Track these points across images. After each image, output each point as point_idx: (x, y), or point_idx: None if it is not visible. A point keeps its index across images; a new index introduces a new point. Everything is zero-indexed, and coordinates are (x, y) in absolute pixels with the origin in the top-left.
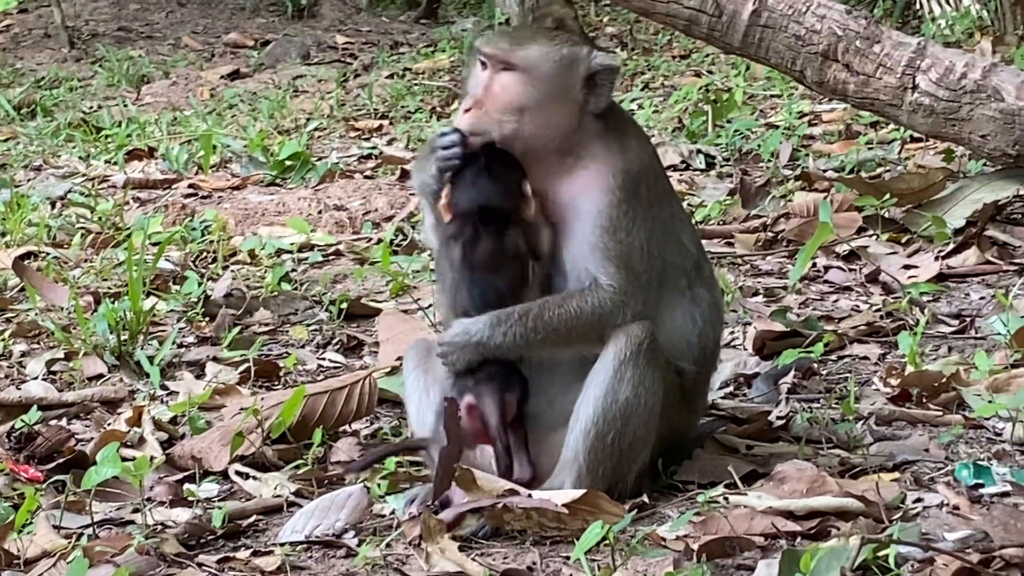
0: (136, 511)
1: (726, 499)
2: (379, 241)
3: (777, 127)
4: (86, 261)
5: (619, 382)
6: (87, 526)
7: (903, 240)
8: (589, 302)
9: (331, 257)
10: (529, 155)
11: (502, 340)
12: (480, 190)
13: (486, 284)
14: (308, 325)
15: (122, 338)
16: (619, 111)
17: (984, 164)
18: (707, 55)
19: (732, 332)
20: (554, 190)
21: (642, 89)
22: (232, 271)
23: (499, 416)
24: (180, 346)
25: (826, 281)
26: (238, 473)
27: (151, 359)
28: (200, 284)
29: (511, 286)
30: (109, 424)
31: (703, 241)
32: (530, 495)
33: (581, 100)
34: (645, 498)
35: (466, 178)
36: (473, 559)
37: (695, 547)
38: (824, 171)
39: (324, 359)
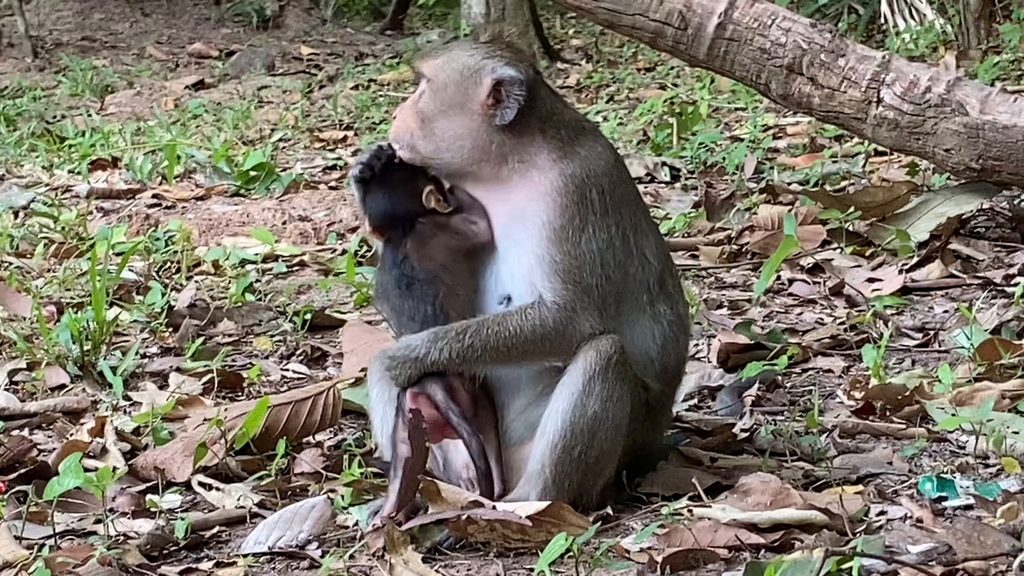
0: (98, 522)
1: (690, 511)
2: (344, 252)
3: (742, 140)
4: (49, 271)
5: (587, 396)
6: (49, 537)
7: (867, 253)
8: (530, 320)
9: (295, 268)
10: (453, 170)
11: (438, 356)
12: (375, 200)
13: (420, 295)
14: (272, 336)
15: (85, 348)
16: (568, 118)
17: (948, 178)
18: (672, 68)
19: (696, 344)
20: (495, 204)
21: (607, 102)
22: (196, 281)
23: (449, 398)
24: (143, 357)
25: (790, 294)
26: (201, 484)
27: (114, 369)
28: (164, 295)
29: (442, 296)
30: (71, 434)
31: None
32: (494, 507)
33: (485, 112)
34: (609, 510)
35: (369, 191)
36: (437, 571)
37: (659, 559)
38: (788, 184)
39: (288, 370)
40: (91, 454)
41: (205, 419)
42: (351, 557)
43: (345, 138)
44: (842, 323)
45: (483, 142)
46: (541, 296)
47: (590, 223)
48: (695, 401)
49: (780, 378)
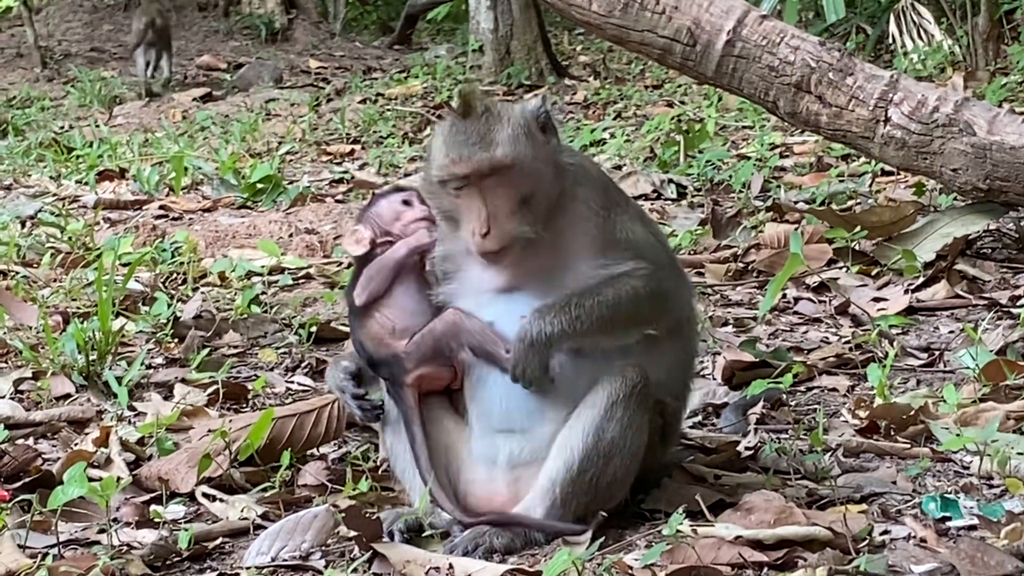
0: (102, 532)
1: (694, 529)
2: (349, 265)
3: (749, 158)
4: (55, 281)
5: (608, 421)
6: (52, 546)
7: (873, 273)
8: (623, 285)
9: (301, 280)
10: (546, 230)
11: (552, 330)
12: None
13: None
14: (277, 348)
15: (90, 358)
16: (568, 148)
17: (955, 198)
18: (680, 85)
19: (702, 362)
20: (555, 240)
21: (614, 118)
22: (202, 293)
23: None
24: (148, 367)
25: (796, 312)
26: (205, 495)
27: (119, 380)
28: (170, 305)
29: None
30: (76, 444)
31: None
32: (451, 565)
33: (551, 149)
34: (603, 514)
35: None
36: None
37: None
38: (795, 203)
39: (293, 382)
40: (95, 464)
41: (209, 430)
42: (354, 570)
43: (352, 152)
44: (847, 342)
45: (559, 177)
46: (625, 268)
47: (622, 211)
48: (699, 418)
49: (785, 396)
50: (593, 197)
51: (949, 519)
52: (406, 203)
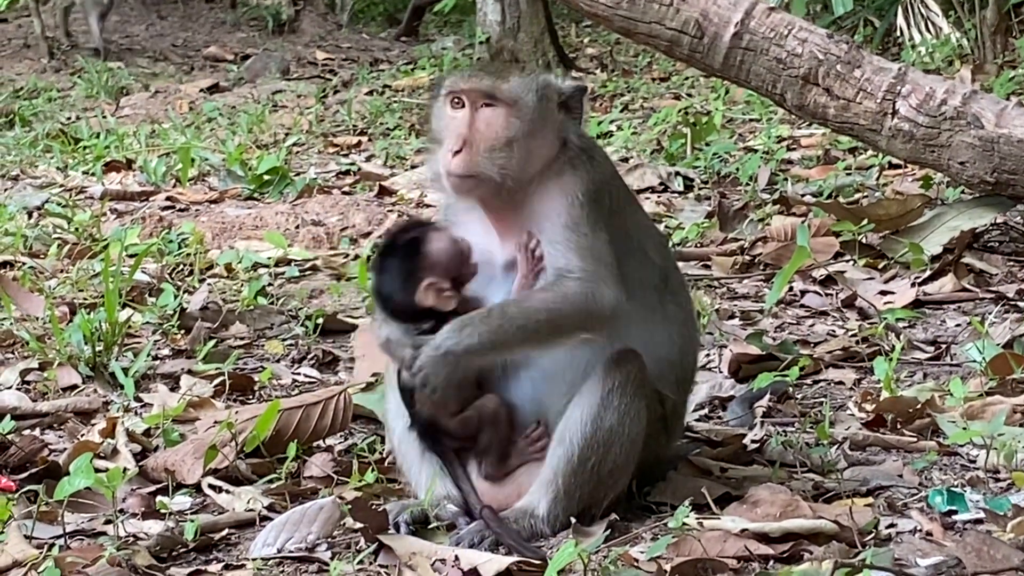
0: (108, 522)
1: (700, 522)
2: (356, 257)
3: (756, 151)
4: (62, 271)
5: (605, 409)
6: (59, 536)
7: (880, 266)
8: (552, 292)
9: (308, 272)
10: (517, 184)
11: (470, 343)
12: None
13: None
14: (284, 340)
15: (97, 349)
16: (582, 131)
17: (962, 191)
18: (687, 77)
19: (708, 355)
20: (522, 210)
21: (621, 111)
22: (208, 284)
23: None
24: (155, 358)
25: (802, 305)
26: (211, 486)
27: (126, 371)
28: (176, 297)
29: None
30: (82, 435)
31: (680, 263)
32: (456, 556)
33: (560, 125)
34: (615, 515)
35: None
36: None
37: (668, 568)
38: (802, 195)
39: (299, 374)
40: (102, 455)
41: (216, 422)
42: (360, 562)
43: (359, 143)
44: (854, 335)
45: (551, 153)
46: (560, 272)
47: (601, 220)
48: (706, 411)
49: (791, 389)
50: (579, 185)
51: (955, 512)
52: (453, 241)
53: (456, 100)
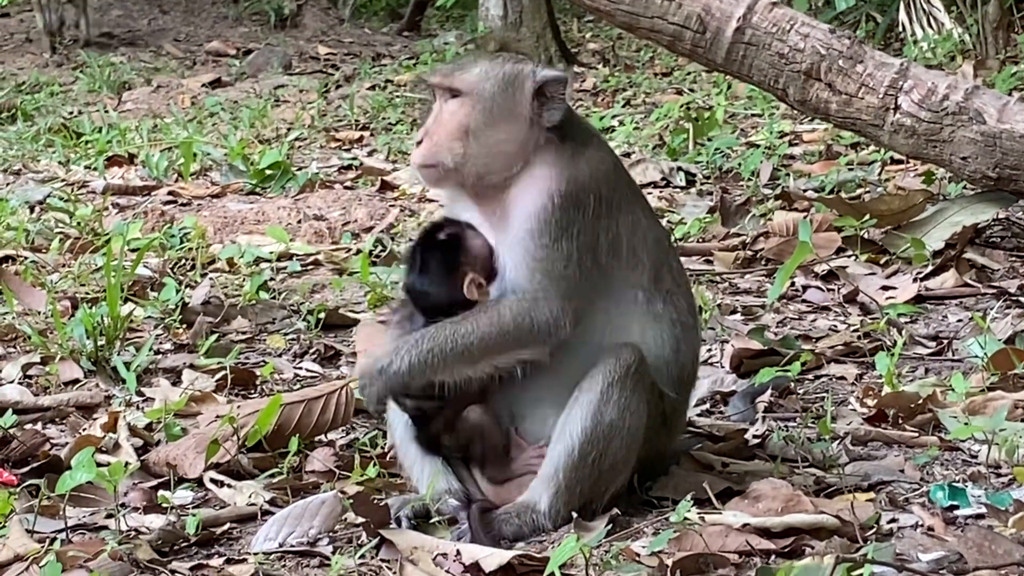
0: (110, 517)
1: (702, 518)
2: (358, 252)
3: (758, 146)
4: (64, 266)
5: (605, 403)
6: (60, 531)
7: (882, 261)
8: (485, 315)
9: (310, 267)
10: (485, 176)
11: (399, 366)
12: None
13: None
14: (285, 334)
15: (99, 343)
16: (577, 122)
17: (964, 187)
18: (689, 73)
19: (710, 350)
20: (504, 201)
21: (623, 106)
22: (210, 279)
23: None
24: (157, 353)
25: (804, 300)
26: (213, 481)
27: (128, 365)
28: (178, 291)
29: None
30: (84, 429)
31: (681, 258)
32: (458, 551)
33: (532, 115)
34: (616, 510)
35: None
36: (447, 571)
37: (669, 563)
38: (804, 191)
39: (301, 368)
40: (104, 449)
41: (218, 416)
42: (362, 556)
43: (361, 138)
44: (856, 330)
45: (523, 146)
46: (504, 290)
47: (577, 224)
48: (707, 406)
49: (793, 384)
50: (557, 185)
51: (957, 508)
52: (485, 239)
53: (432, 93)
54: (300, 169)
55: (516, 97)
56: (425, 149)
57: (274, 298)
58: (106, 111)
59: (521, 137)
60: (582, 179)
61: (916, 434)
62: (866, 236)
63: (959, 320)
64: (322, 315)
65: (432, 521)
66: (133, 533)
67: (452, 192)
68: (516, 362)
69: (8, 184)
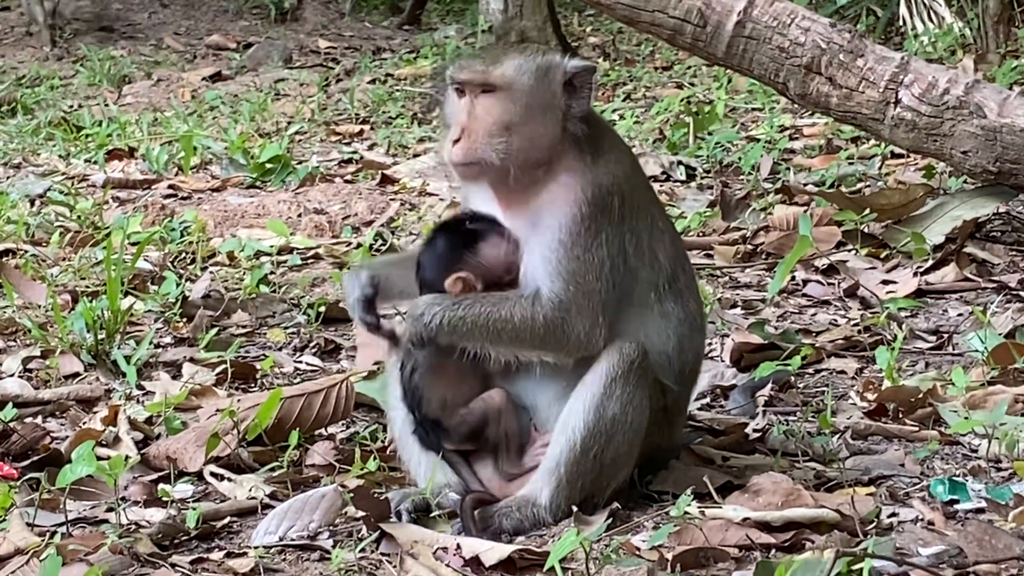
0: (110, 510)
1: (702, 512)
2: (358, 245)
3: (758, 140)
4: (64, 259)
5: (608, 398)
6: (61, 524)
7: (882, 255)
8: (523, 309)
9: (310, 260)
10: (525, 170)
11: (430, 320)
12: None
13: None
14: (286, 328)
15: (99, 337)
16: (596, 120)
17: (964, 181)
18: (689, 67)
19: (710, 344)
20: (528, 202)
21: (624, 100)
22: (211, 272)
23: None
24: (157, 346)
25: (805, 295)
26: (213, 474)
27: (128, 359)
28: (178, 285)
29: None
30: (84, 423)
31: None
32: (458, 545)
33: (564, 106)
34: (617, 504)
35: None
36: (447, 565)
37: (669, 557)
38: (804, 185)
39: (301, 362)
40: (104, 442)
41: (218, 410)
42: (361, 550)
43: (361, 132)
44: (856, 325)
45: (555, 138)
46: (539, 290)
47: (604, 230)
48: (708, 400)
49: (793, 378)
50: (586, 189)
51: (957, 502)
52: (508, 252)
53: (459, 89)
54: (300, 163)
55: (550, 89)
56: (465, 147)
57: (274, 292)
58: (106, 105)
59: (554, 129)
60: (607, 183)
61: (916, 428)
62: (866, 230)
63: (959, 314)
64: (322, 309)
65: (432, 515)
66: (133, 527)
67: (479, 188)
68: (538, 360)
69: (8, 178)
